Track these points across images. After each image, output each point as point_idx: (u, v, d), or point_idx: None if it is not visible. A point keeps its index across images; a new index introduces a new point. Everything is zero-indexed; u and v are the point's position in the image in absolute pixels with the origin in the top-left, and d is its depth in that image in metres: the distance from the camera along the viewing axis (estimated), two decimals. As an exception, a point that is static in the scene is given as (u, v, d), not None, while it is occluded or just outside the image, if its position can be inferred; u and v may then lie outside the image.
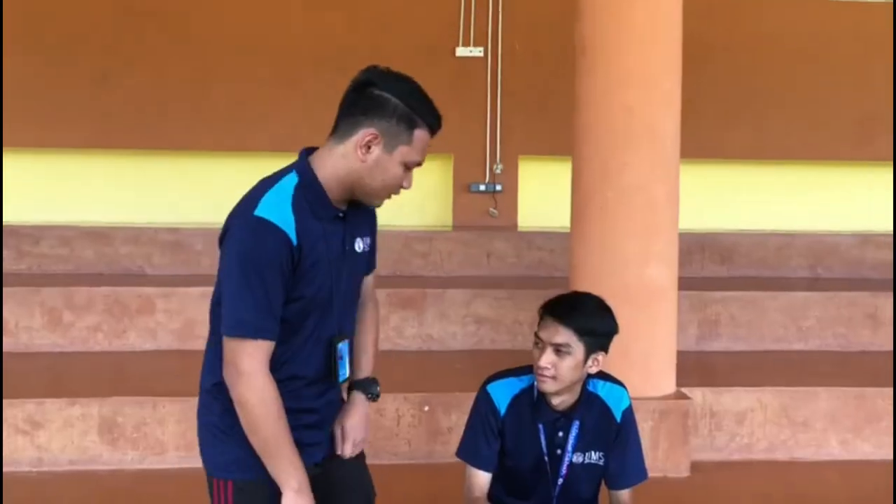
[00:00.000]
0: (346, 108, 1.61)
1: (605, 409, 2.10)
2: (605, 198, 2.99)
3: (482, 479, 2.09)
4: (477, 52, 6.03)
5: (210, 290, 3.79)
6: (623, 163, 2.96)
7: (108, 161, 5.70)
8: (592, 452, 2.09)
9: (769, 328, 4.00)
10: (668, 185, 3.02)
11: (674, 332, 3.12)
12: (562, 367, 1.98)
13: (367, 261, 1.81)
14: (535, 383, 2.07)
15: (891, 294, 4.09)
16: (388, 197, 1.66)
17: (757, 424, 3.20)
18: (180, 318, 3.76)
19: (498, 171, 6.08)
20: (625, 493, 2.12)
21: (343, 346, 1.73)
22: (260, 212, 1.56)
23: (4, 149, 5.26)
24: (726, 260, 4.79)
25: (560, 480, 2.08)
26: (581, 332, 1.98)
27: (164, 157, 5.74)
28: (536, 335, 2.02)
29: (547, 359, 1.98)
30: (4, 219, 4.53)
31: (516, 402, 2.09)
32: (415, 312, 3.88)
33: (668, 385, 3.09)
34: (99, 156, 5.68)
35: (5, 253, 4.27)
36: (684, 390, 3.13)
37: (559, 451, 2.08)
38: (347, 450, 1.78)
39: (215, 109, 5.63)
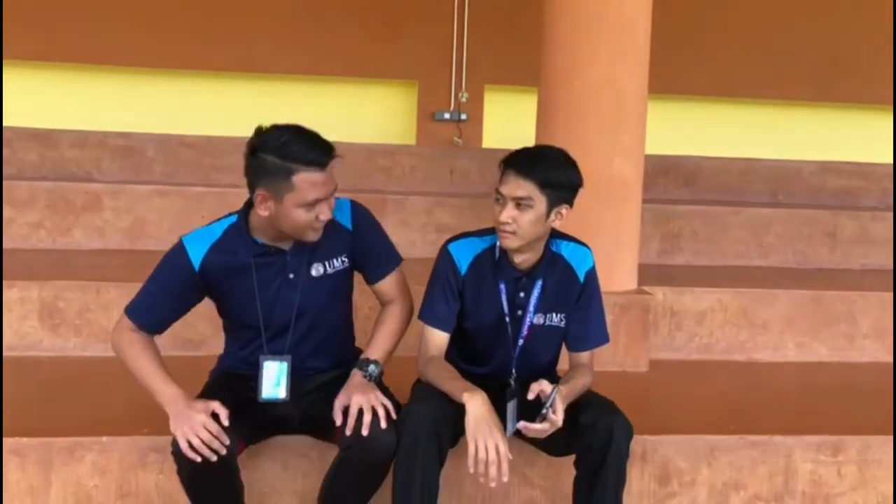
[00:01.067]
0: (245, 172, 1.90)
1: (569, 269, 2.05)
2: (573, 87, 2.90)
3: (439, 338, 2.03)
4: (445, -25, 5.87)
5: (160, 188, 3.63)
6: (593, 52, 2.88)
7: (55, 74, 5.46)
8: (554, 314, 2.04)
9: (730, 244, 3.99)
10: (637, 78, 2.94)
11: (637, 228, 3.07)
12: (523, 222, 1.91)
13: (348, 275, 2.07)
14: (497, 242, 2.01)
15: (850, 213, 4.13)
16: (313, 230, 1.91)
17: (717, 325, 3.19)
18: (129, 217, 3.62)
19: (463, 100, 5.97)
20: (585, 356, 2.08)
21: (275, 365, 1.97)
22: (187, 238, 1.98)
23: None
24: (689, 183, 4.78)
25: (520, 341, 2.03)
26: (543, 185, 1.90)
27: (115, 73, 5.52)
28: (497, 191, 1.95)
29: (508, 213, 1.91)
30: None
31: (478, 261, 2.03)
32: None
33: (630, 281, 3.05)
34: (46, 69, 5.44)
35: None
36: (645, 288, 3.10)
37: (520, 312, 2.02)
38: (336, 418, 1.89)
39: (170, 25, 5.41)
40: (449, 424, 1.88)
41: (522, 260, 2.01)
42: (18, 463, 2.04)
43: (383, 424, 1.85)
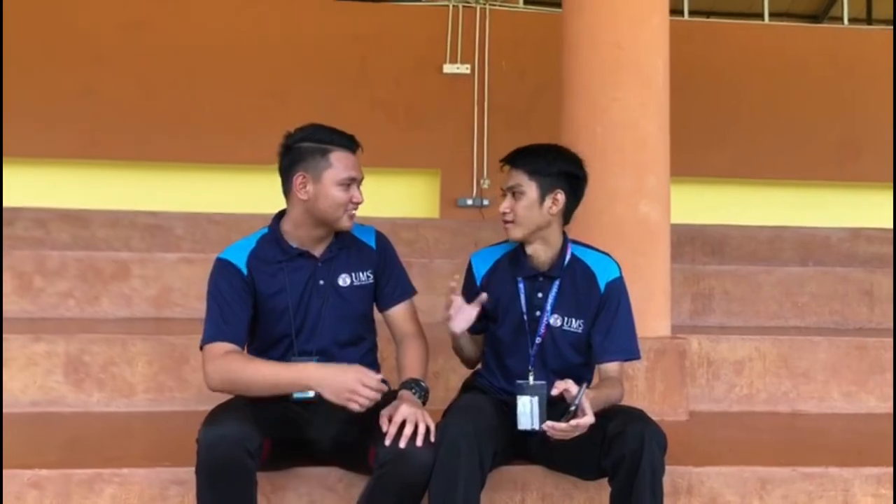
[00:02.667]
0: (280, 170, 2.05)
1: (590, 276, 2.05)
2: (594, 133, 2.93)
3: None
4: (464, 69, 6.11)
5: (187, 255, 3.66)
6: (612, 98, 2.93)
7: (90, 172, 5.68)
8: (573, 319, 2.03)
9: (764, 303, 3.89)
10: (658, 121, 2.97)
11: (667, 271, 3.02)
12: (518, 209, 2.01)
13: (371, 293, 2.12)
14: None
15: (885, 271, 4.03)
16: (348, 214, 2.01)
17: (756, 374, 3.07)
18: (157, 285, 3.61)
19: (485, 186, 6.08)
20: (613, 368, 2.02)
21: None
22: (223, 254, 2.06)
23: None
24: (717, 251, 4.72)
25: (538, 339, 2.00)
26: (530, 172, 2.00)
27: (148, 169, 5.72)
28: (500, 188, 2.07)
29: (505, 204, 2.02)
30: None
31: (498, 264, 2.10)
32: (401, 283, 3.76)
33: (664, 327, 2.97)
34: (81, 167, 5.66)
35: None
36: (680, 336, 3.01)
37: (538, 313, 2.02)
38: (383, 424, 1.84)
39: (201, 122, 5.64)
40: (489, 440, 1.81)
41: (535, 252, 2.05)
42: (36, 496, 1.97)
43: (419, 442, 1.78)
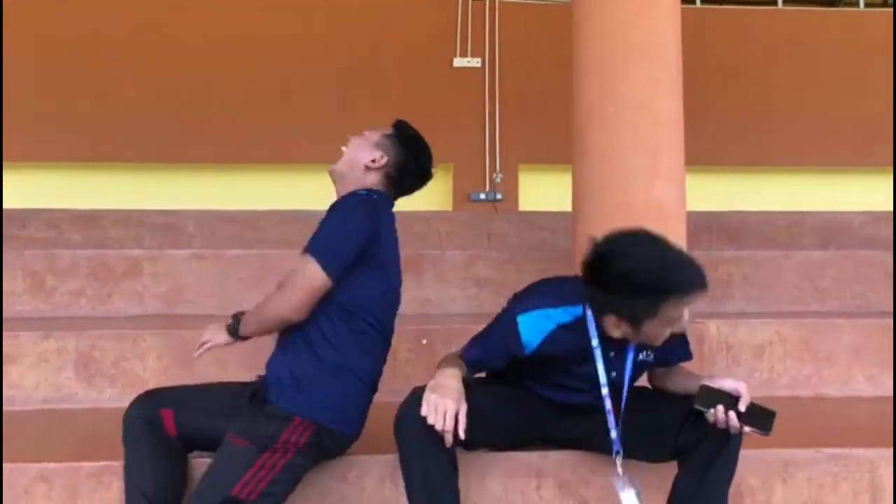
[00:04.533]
0: None
1: None
2: (606, 112, 2.87)
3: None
4: (475, 62, 6.06)
5: (199, 252, 3.61)
6: (623, 76, 2.87)
7: (103, 174, 5.70)
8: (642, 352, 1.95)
9: (784, 289, 3.82)
10: (672, 100, 2.91)
11: (684, 255, 2.95)
12: None
13: None
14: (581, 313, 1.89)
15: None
16: None
17: (777, 359, 3.00)
18: (168, 282, 3.60)
19: (498, 180, 6.03)
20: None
21: None
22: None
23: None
24: (734, 239, 4.64)
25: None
26: None
27: (160, 171, 5.73)
28: None
29: None
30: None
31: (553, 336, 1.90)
32: (412, 275, 3.70)
33: (681, 311, 2.90)
34: (94, 169, 5.68)
35: (-8, 237, 4.17)
36: (698, 320, 2.95)
37: (615, 374, 1.93)
38: None
39: (213, 123, 5.64)
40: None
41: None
42: (45, 489, 1.94)
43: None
